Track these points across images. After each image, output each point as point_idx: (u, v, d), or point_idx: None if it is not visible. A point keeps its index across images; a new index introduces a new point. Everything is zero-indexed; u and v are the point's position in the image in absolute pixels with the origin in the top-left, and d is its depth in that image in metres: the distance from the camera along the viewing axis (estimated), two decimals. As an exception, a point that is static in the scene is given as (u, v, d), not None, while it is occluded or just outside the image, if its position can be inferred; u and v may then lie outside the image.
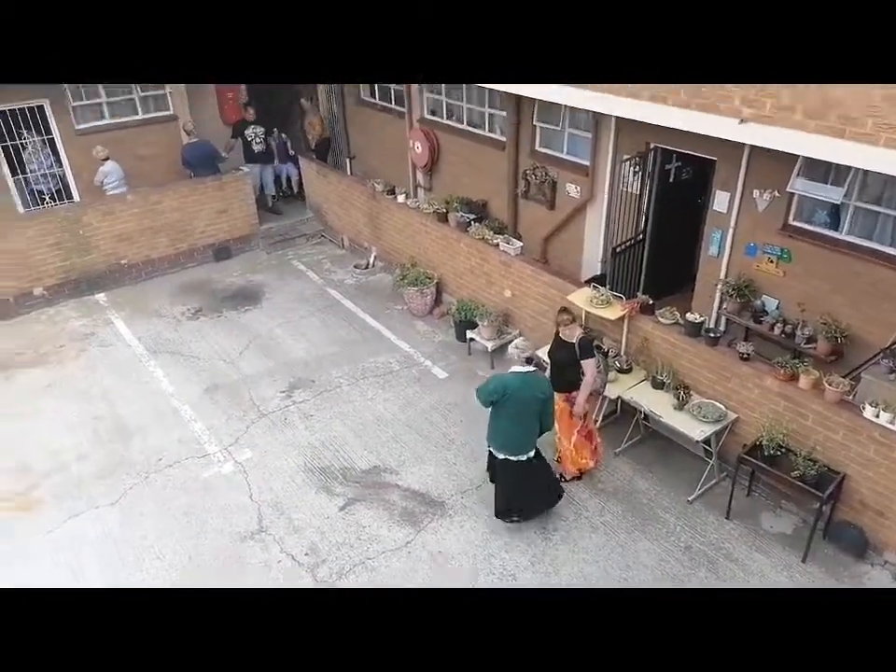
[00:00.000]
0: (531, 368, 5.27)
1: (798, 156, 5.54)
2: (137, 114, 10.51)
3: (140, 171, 10.36)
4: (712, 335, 6.04)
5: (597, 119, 7.40)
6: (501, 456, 5.41)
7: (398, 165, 10.74)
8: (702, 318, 6.18)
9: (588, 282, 7.27)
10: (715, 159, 6.56)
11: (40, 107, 9.65)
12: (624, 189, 7.43)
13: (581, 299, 6.71)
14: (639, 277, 7.95)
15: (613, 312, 6.50)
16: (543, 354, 6.33)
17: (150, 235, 9.88)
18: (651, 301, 6.58)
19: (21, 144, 9.73)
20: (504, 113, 8.54)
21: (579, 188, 8.00)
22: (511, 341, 5.42)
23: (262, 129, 10.84)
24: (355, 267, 10.19)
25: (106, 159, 9.69)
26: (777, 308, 6.49)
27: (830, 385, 5.16)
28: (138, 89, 10.36)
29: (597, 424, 6.45)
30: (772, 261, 6.41)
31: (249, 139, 10.77)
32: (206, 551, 5.57)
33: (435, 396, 7.32)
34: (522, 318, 7.85)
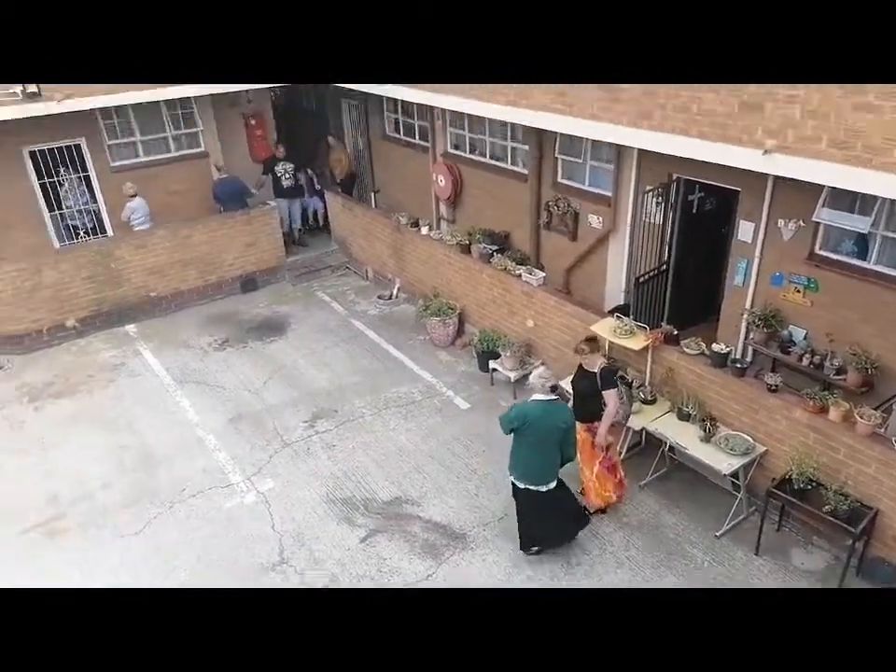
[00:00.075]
0: (553, 396, 5.24)
1: (823, 186, 5.50)
2: (170, 151, 10.85)
3: (171, 206, 10.67)
4: (739, 366, 5.95)
5: (619, 151, 7.44)
6: (523, 486, 5.35)
7: (421, 198, 10.89)
8: (728, 349, 6.10)
9: (611, 312, 7.23)
10: (739, 189, 6.54)
11: (77, 146, 10.02)
12: (647, 220, 7.43)
13: (605, 329, 6.68)
14: (663, 307, 7.89)
15: (637, 342, 6.45)
16: (566, 384, 6.29)
17: (180, 268, 10.12)
18: (675, 332, 6.52)
19: (59, 181, 10.08)
20: (526, 146, 8.64)
21: (601, 218, 8.02)
22: (534, 371, 5.40)
23: (292, 165, 11.17)
24: (378, 298, 10.29)
25: (134, 195, 9.99)
26: (805, 338, 6.38)
27: (861, 417, 5.03)
28: (171, 127, 10.70)
29: (621, 456, 6.36)
30: (799, 291, 6.33)
31: (279, 175, 11.09)
32: (228, 582, 5.56)
33: (457, 426, 7.29)
34: (544, 349, 7.82)
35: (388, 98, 10.33)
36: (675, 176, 7.17)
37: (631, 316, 7.04)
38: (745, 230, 6.60)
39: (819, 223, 6.01)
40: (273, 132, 11.81)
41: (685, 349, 6.27)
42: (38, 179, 9.89)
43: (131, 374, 8.64)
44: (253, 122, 11.53)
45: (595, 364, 5.68)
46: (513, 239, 9.37)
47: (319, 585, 5.47)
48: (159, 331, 9.66)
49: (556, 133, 7.75)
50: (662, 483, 6.34)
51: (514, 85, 7.01)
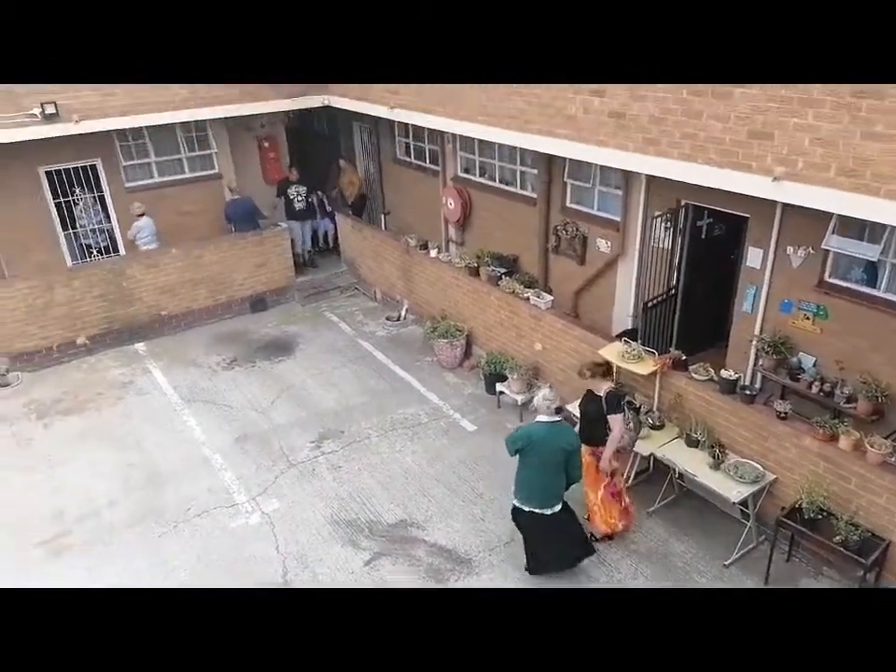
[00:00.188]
0: (557, 418, 5.22)
1: (832, 213, 5.50)
2: (184, 172, 11.00)
3: (184, 226, 10.79)
4: (748, 392, 5.91)
5: (628, 177, 7.49)
6: (527, 509, 5.31)
7: (430, 221, 10.97)
8: (737, 375, 6.06)
9: (619, 336, 7.22)
10: (747, 215, 6.55)
11: (93, 166, 10.18)
12: (656, 245, 7.44)
13: (613, 353, 6.66)
14: (671, 332, 7.87)
15: (645, 367, 6.42)
16: (574, 407, 6.26)
17: (191, 287, 10.20)
18: (683, 357, 6.50)
19: (74, 200, 10.23)
20: (535, 171, 8.70)
21: (609, 243, 8.04)
22: (538, 393, 5.39)
23: (304, 188, 11.34)
24: (386, 319, 10.32)
25: (142, 214, 10.12)
26: (815, 366, 6.34)
27: (872, 446, 4.98)
28: (185, 149, 10.86)
29: (629, 482, 6.30)
30: (808, 318, 6.30)
31: (292, 197, 11.26)
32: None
33: (463, 449, 7.26)
34: (552, 372, 7.80)
35: (399, 122, 10.45)
36: (683, 202, 7.20)
37: (639, 341, 7.03)
38: (754, 256, 6.60)
39: (828, 250, 6.01)
40: (286, 154, 11.97)
41: (694, 375, 6.25)
42: (54, 199, 10.04)
43: (139, 392, 8.68)
44: (266, 145, 11.69)
45: (601, 388, 5.67)
46: (522, 262, 9.40)
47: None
48: (168, 350, 9.71)
49: (565, 158, 7.81)
50: (670, 511, 6.27)
51: (523, 112, 7.10)
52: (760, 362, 6.69)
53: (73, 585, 5.72)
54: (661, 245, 7.44)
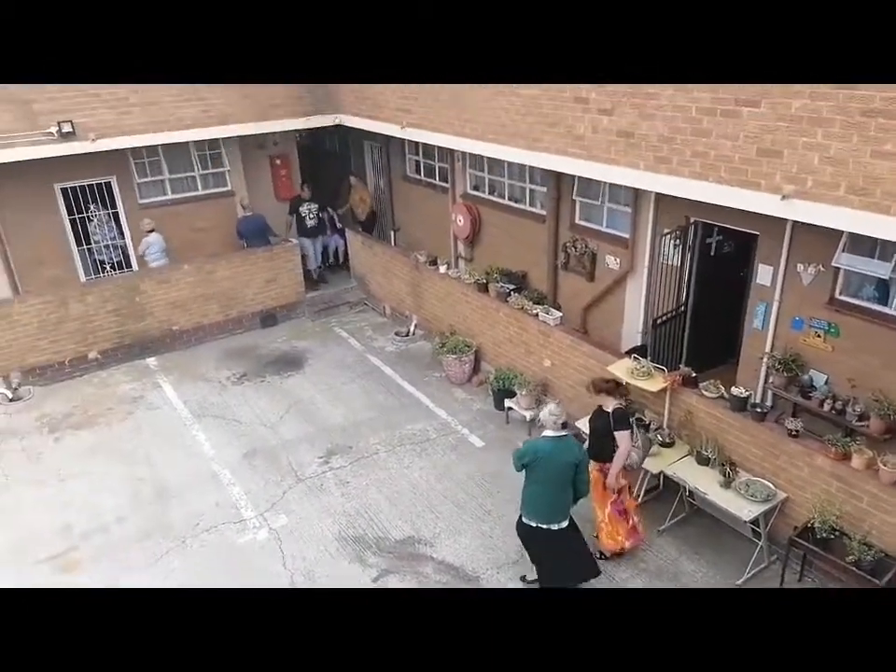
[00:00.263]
0: (563, 433, 5.21)
1: (842, 231, 5.49)
2: (197, 190, 11.12)
3: (196, 242, 10.90)
4: (759, 410, 5.87)
5: (637, 194, 7.51)
6: (534, 525, 5.28)
7: (440, 237, 11.03)
8: (748, 392, 6.03)
9: (629, 353, 7.20)
10: (757, 233, 6.55)
11: (108, 183, 10.32)
12: (665, 262, 7.44)
13: (622, 370, 6.64)
14: (681, 349, 7.85)
15: (655, 384, 6.40)
16: (584, 424, 6.24)
17: (202, 302, 10.29)
18: (693, 374, 6.47)
19: (88, 217, 10.37)
20: (544, 188, 8.75)
21: (618, 260, 8.05)
22: (544, 408, 5.38)
23: (316, 206, 11.47)
24: (395, 334, 10.35)
25: (151, 230, 10.23)
26: (826, 383, 6.29)
27: (884, 465, 4.93)
28: (199, 166, 11.00)
29: (638, 500, 6.25)
30: (819, 336, 6.27)
31: (303, 215, 11.39)
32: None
33: (472, 465, 7.24)
34: (561, 388, 7.79)
35: (410, 140, 10.55)
36: (692, 219, 7.21)
37: (649, 358, 7.01)
38: (764, 273, 6.59)
39: (838, 268, 5.99)
40: (298, 172, 12.10)
41: (704, 392, 6.22)
42: (69, 215, 10.18)
43: (149, 407, 8.72)
44: (279, 163, 11.82)
45: (609, 404, 5.66)
46: (531, 278, 9.42)
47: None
48: (179, 365, 9.77)
49: (574, 175, 7.85)
50: (681, 529, 6.21)
51: (529, 132, 7.15)
52: (770, 379, 6.65)
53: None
54: (670, 262, 7.44)
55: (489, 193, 9.99)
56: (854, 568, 4.82)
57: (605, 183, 7.75)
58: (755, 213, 5.44)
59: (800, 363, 6.40)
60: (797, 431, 5.55)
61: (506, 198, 9.68)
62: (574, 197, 8.44)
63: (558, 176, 8.22)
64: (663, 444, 6.31)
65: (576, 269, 8.61)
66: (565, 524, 5.26)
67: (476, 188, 10.24)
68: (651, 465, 6.14)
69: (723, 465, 5.83)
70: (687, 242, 7.36)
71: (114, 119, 9.04)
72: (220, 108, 9.72)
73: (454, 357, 8.76)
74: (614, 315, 8.32)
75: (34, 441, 8.09)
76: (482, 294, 8.81)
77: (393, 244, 12.17)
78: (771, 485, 5.64)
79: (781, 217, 5.36)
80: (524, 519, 5.38)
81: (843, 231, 5.56)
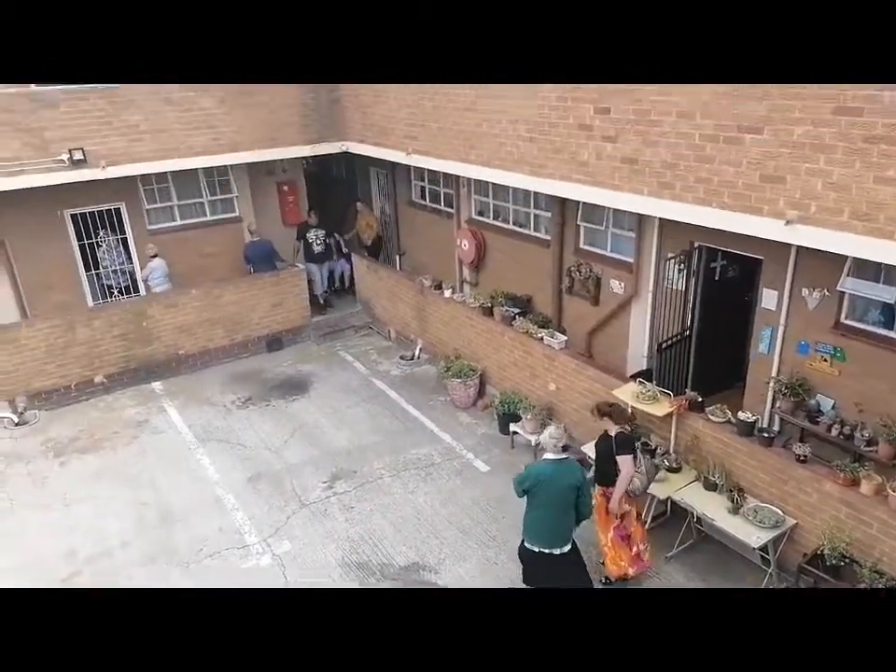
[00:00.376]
0: (564, 455, 5.19)
1: (846, 256, 5.51)
2: (206, 216, 11.25)
3: (204, 267, 11.00)
4: (766, 435, 5.84)
5: (641, 219, 7.56)
6: (536, 549, 5.22)
7: (445, 262, 11.09)
8: (755, 417, 6.00)
9: (634, 377, 7.19)
10: (761, 258, 6.57)
11: (117, 210, 10.46)
12: (669, 286, 7.47)
13: (627, 394, 6.63)
14: (687, 373, 7.82)
15: (661, 408, 6.38)
16: (590, 448, 6.21)
17: (208, 327, 10.34)
18: (699, 398, 6.45)
19: (97, 242, 10.48)
20: (548, 213, 8.82)
21: (623, 284, 8.08)
22: (545, 431, 5.36)
23: (323, 231, 11.57)
24: (400, 358, 10.37)
25: (155, 255, 10.33)
26: (833, 408, 6.26)
27: (894, 491, 4.88)
28: (207, 193, 11.14)
29: (646, 525, 6.18)
30: (825, 360, 6.25)
31: (310, 241, 11.49)
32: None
33: (477, 490, 7.19)
34: (566, 412, 7.76)
35: (415, 166, 10.68)
36: (696, 244, 7.24)
37: (654, 382, 6.99)
38: (768, 298, 6.60)
39: (843, 292, 6.00)
40: (305, 198, 12.23)
41: (710, 416, 6.19)
42: (78, 240, 10.29)
43: (154, 431, 8.72)
44: (286, 189, 11.97)
45: (612, 428, 5.64)
46: (535, 302, 9.45)
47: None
48: (184, 389, 9.79)
49: (578, 201, 7.92)
50: (689, 555, 6.14)
51: (534, 159, 7.23)
52: (777, 404, 6.62)
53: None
54: (674, 287, 7.46)
55: (494, 218, 10.07)
56: (865, 597, 4.74)
57: (609, 208, 7.81)
58: (759, 238, 5.48)
59: (807, 388, 6.38)
60: (805, 456, 5.51)
61: (511, 223, 9.76)
62: (578, 222, 8.50)
63: (562, 202, 8.28)
64: (669, 469, 6.26)
65: (580, 293, 8.63)
66: (567, 548, 5.20)
67: (481, 213, 10.33)
68: (659, 490, 6.09)
69: (731, 491, 5.78)
70: (691, 266, 7.38)
71: (124, 147, 9.19)
72: (230, 136, 9.87)
73: (459, 380, 8.75)
74: (619, 340, 8.32)
75: (39, 466, 8.09)
76: (486, 318, 8.84)
77: (398, 268, 12.26)
78: (779, 511, 5.59)
79: (785, 242, 5.39)
80: (526, 544, 5.32)
81: (847, 256, 5.58)
